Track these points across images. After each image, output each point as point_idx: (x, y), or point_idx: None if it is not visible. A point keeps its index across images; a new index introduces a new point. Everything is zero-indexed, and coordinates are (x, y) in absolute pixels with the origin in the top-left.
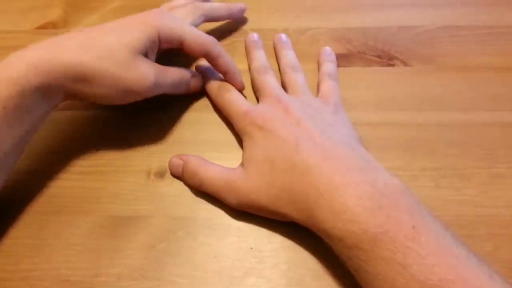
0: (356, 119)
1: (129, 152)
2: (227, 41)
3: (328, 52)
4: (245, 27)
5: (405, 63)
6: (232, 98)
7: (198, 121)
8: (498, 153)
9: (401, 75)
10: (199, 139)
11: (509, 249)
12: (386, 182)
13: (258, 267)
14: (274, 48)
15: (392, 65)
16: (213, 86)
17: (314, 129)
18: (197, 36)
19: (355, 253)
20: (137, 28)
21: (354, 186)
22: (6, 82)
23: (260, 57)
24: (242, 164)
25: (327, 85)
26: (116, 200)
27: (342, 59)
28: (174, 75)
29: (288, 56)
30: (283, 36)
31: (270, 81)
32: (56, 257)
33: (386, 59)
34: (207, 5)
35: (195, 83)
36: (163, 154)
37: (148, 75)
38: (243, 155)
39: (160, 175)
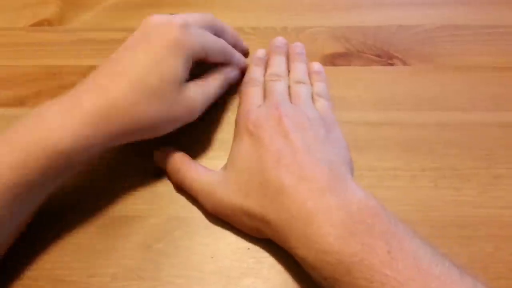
0: (355, 119)
1: (126, 151)
2: None
3: (317, 69)
4: (243, 25)
5: (404, 63)
6: (250, 93)
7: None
8: (498, 154)
9: (400, 74)
10: (197, 138)
11: (509, 250)
12: (360, 206)
13: (256, 267)
14: (269, 51)
15: (392, 64)
16: (248, 75)
17: (301, 143)
18: (219, 47)
19: (331, 283)
20: (171, 55)
21: (327, 212)
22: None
23: (278, 64)
24: (225, 166)
25: (320, 105)
26: (113, 199)
27: (341, 58)
28: (215, 84)
29: (299, 70)
30: (299, 45)
31: (278, 87)
32: (51, 257)
33: (386, 58)
34: (219, 22)
35: (235, 76)
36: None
37: (196, 101)
38: (229, 155)
39: (157, 174)
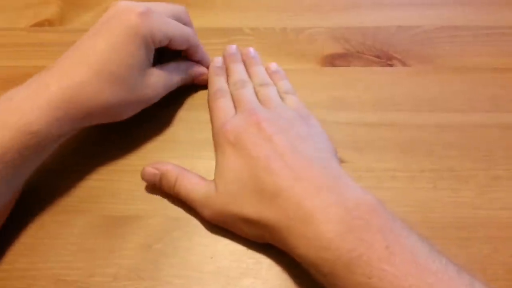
0: (354, 120)
1: (125, 151)
2: (225, 39)
3: (275, 69)
4: (242, 25)
5: (403, 63)
6: (221, 105)
7: (195, 121)
8: (497, 155)
9: (399, 75)
10: (195, 139)
11: (507, 251)
12: (358, 202)
13: (255, 268)
14: (226, 60)
15: (391, 65)
16: (212, 87)
17: (286, 145)
18: (183, 33)
19: (330, 280)
20: (131, 42)
21: (324, 210)
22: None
23: (239, 71)
24: (214, 180)
25: (291, 101)
26: (113, 200)
27: (341, 59)
28: (178, 75)
29: (260, 73)
30: (252, 50)
31: (246, 94)
32: (52, 257)
33: (385, 59)
34: (188, 17)
35: (200, 74)
36: (160, 154)
37: (158, 85)
38: (215, 170)
39: None
